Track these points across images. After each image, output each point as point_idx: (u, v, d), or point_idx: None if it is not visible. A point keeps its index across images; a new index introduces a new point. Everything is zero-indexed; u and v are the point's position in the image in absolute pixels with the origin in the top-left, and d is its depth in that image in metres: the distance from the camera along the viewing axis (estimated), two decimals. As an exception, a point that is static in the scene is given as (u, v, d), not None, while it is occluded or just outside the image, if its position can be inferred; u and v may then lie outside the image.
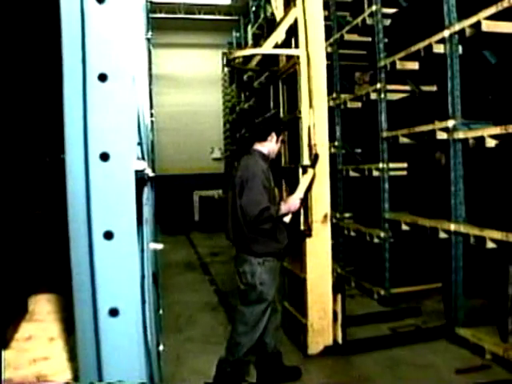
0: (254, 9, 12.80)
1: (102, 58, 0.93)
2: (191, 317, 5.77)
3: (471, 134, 4.43)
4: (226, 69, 17.21)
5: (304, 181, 4.26)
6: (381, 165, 5.91)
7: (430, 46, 4.86)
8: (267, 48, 4.67)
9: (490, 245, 4.18)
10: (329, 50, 6.76)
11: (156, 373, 2.42)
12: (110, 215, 0.94)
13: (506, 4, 3.90)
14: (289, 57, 4.85)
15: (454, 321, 4.72)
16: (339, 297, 4.58)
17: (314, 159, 4.33)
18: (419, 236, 5.41)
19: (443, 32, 4.66)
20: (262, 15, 11.54)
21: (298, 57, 4.53)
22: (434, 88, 5.89)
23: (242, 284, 3.82)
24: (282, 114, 5.16)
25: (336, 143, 7.09)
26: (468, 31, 4.38)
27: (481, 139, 4.29)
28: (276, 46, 4.74)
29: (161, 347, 3.63)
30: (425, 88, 5.99)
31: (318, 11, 4.57)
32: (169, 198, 13.58)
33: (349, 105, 6.79)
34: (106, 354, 0.92)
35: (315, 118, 4.44)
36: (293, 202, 3.93)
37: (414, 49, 5.15)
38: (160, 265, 5.86)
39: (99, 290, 0.93)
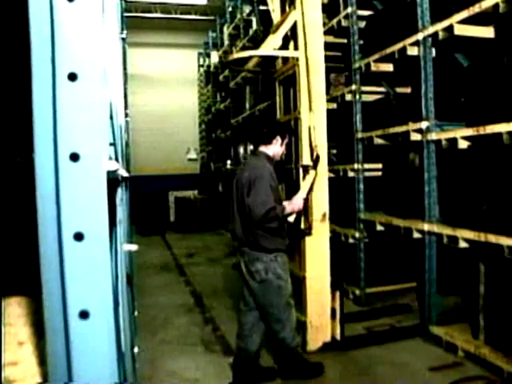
0: (230, 9, 12.80)
1: (71, 57, 0.91)
2: (167, 318, 5.73)
3: (444, 136, 4.49)
4: (201, 69, 17.19)
5: (306, 181, 4.37)
6: (356, 165, 5.96)
7: (404, 49, 4.92)
8: (266, 49, 4.67)
9: (463, 244, 4.25)
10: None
11: (130, 375, 2.40)
12: (80, 216, 0.93)
13: (477, 9, 3.98)
14: (285, 59, 4.88)
15: (428, 319, 4.79)
16: (337, 294, 4.66)
17: (316, 160, 4.43)
18: (394, 236, 5.46)
19: (417, 35, 4.72)
20: (239, 15, 11.55)
21: (297, 59, 4.57)
22: (409, 90, 5.96)
23: (256, 282, 3.87)
24: (278, 115, 5.17)
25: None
26: (441, 34, 4.45)
27: (453, 140, 4.36)
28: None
29: (136, 349, 3.60)
30: (399, 90, 6.06)
31: (318, 14, 4.63)
32: (144, 198, 13.50)
33: (324, 106, 6.82)
34: (77, 357, 0.91)
35: (315, 120, 4.50)
36: (297, 201, 4.07)
37: (388, 51, 5.21)
38: (135, 266, 5.82)
39: (69, 293, 0.91)
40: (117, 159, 2.02)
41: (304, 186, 4.34)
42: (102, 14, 1.11)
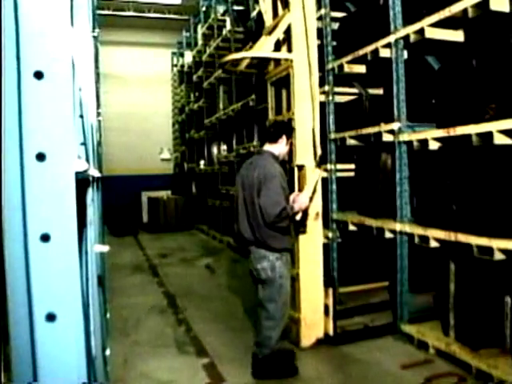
0: (204, 9, 12.76)
1: (38, 54, 0.89)
2: (139, 320, 5.67)
3: (415, 137, 4.56)
4: (175, 69, 17.10)
5: (311, 180, 4.44)
6: (328, 166, 5.98)
7: (376, 50, 4.96)
8: (262, 51, 4.71)
9: (434, 244, 4.31)
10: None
11: (102, 378, 2.37)
12: (47, 217, 0.91)
13: (447, 13, 4.05)
14: (277, 60, 4.91)
15: (400, 318, 4.84)
16: (330, 291, 4.74)
17: (320, 159, 4.54)
18: (367, 235, 5.51)
19: (389, 37, 4.78)
20: (213, 15, 11.52)
21: (291, 61, 4.61)
22: (381, 91, 6.02)
23: (261, 280, 3.99)
24: (270, 116, 5.20)
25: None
26: (412, 37, 4.51)
27: (424, 141, 4.43)
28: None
29: (107, 352, 3.56)
30: (372, 91, 6.11)
31: (313, 17, 4.73)
32: (117, 198, 13.37)
33: (298, 106, 6.83)
34: (42, 361, 0.89)
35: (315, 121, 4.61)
36: (303, 200, 4.15)
37: (361, 52, 5.26)
38: (107, 267, 5.75)
39: (35, 295, 0.89)
40: (87, 159, 1.99)
41: (309, 184, 4.41)
42: (72, 12, 1.09)
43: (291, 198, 4.14)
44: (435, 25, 4.29)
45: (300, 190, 4.49)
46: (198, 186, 14.23)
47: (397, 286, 4.87)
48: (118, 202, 13.44)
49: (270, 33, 4.78)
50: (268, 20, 5.06)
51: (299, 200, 4.11)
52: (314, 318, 4.68)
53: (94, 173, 2.46)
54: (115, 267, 8.17)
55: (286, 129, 4.29)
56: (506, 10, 3.62)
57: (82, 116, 1.81)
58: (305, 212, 4.39)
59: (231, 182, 10.47)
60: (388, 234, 4.96)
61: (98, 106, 6.41)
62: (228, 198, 10.81)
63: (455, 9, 3.96)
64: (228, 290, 7.03)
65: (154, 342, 4.96)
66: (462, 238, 3.91)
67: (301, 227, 4.52)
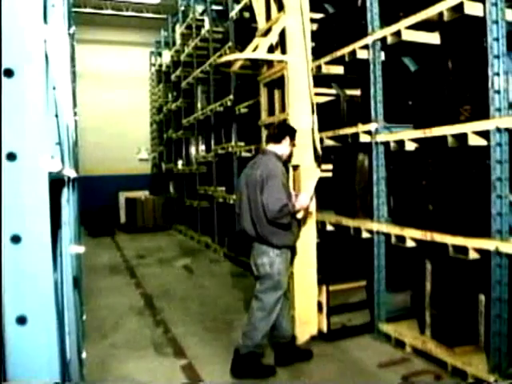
0: (182, 8, 12.69)
1: (7, 52, 0.87)
2: (117, 321, 5.62)
3: (392, 137, 4.60)
4: (153, 68, 16.99)
5: (312, 180, 4.55)
6: (307, 166, 6.00)
7: (354, 52, 5.00)
8: (258, 52, 4.75)
9: (410, 243, 4.36)
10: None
11: (77, 379, 2.34)
12: (17, 218, 0.89)
13: (423, 16, 4.11)
14: (269, 62, 4.94)
15: (377, 317, 4.88)
16: (324, 288, 4.82)
17: (319, 159, 4.68)
18: (344, 235, 5.53)
19: (366, 38, 4.81)
20: (191, 15, 11.47)
21: (286, 62, 4.66)
22: (359, 92, 6.05)
23: (260, 275, 4.12)
24: (263, 116, 5.25)
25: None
26: (390, 39, 4.56)
27: (401, 142, 4.47)
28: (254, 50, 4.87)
29: (84, 354, 3.51)
30: (350, 92, 6.14)
31: (307, 18, 4.76)
32: (94, 199, 13.25)
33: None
34: (12, 364, 0.87)
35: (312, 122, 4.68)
36: (304, 199, 4.26)
37: (339, 53, 5.28)
38: (84, 268, 5.69)
39: (5, 297, 0.87)
40: (63, 159, 1.97)
41: (310, 184, 4.51)
42: (45, 8, 1.07)
43: (292, 197, 4.24)
44: (412, 27, 4.34)
45: (295, 189, 4.63)
46: (176, 187, 14.16)
47: (374, 285, 4.91)
48: (96, 203, 13.32)
49: (264, 35, 4.83)
50: (261, 22, 5.09)
51: (300, 199, 4.22)
52: (308, 315, 4.76)
53: (70, 173, 2.42)
54: (92, 268, 8.09)
55: (289, 131, 4.41)
56: (480, 14, 3.67)
57: (57, 115, 1.78)
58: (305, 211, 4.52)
59: (209, 182, 10.44)
60: (365, 234, 4.99)
61: (75, 105, 6.33)
62: (206, 198, 10.77)
63: (431, 12, 4.02)
64: (206, 290, 7.01)
65: (132, 344, 4.92)
66: (438, 237, 3.97)
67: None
